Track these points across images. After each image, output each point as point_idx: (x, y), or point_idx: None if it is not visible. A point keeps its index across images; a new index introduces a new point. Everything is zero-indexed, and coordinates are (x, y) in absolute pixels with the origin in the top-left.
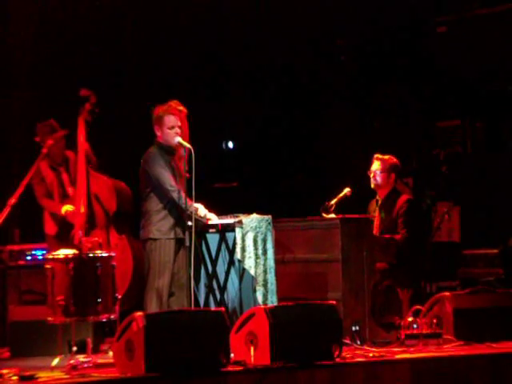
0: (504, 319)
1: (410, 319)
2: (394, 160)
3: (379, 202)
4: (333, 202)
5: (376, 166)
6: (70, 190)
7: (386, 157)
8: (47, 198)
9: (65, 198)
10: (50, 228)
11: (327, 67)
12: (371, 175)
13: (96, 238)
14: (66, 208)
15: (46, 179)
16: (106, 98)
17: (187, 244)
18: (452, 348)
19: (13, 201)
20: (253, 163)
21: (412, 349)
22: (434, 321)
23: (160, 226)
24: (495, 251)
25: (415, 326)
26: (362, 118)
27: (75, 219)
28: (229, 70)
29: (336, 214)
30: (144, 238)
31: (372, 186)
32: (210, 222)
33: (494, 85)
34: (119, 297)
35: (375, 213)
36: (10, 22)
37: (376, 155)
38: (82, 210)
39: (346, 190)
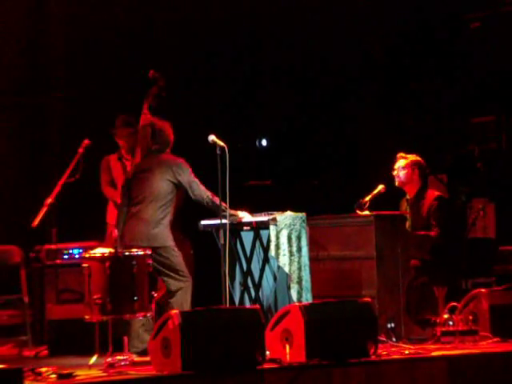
0: None
1: (446, 316)
2: (417, 158)
3: (410, 201)
4: (367, 199)
5: (398, 163)
6: None
7: (409, 155)
8: (110, 187)
9: None
10: (113, 218)
11: (361, 64)
12: (394, 173)
13: None
14: None
15: (113, 172)
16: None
17: (221, 242)
18: (488, 345)
19: (50, 200)
20: (287, 161)
21: (448, 346)
22: (470, 317)
23: None
24: None
25: (451, 322)
26: (396, 115)
27: None
28: (262, 67)
29: (370, 211)
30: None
31: (396, 183)
32: (244, 220)
33: None
34: (155, 295)
35: (407, 210)
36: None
37: (399, 154)
38: None
39: (380, 187)
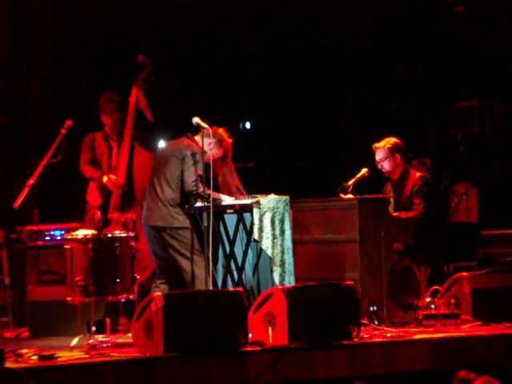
0: None
1: (428, 299)
2: (392, 141)
3: (394, 182)
4: (350, 182)
5: (377, 156)
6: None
7: (383, 142)
8: (89, 165)
9: (110, 171)
10: (94, 198)
11: (344, 48)
12: (379, 166)
13: (130, 215)
14: (107, 178)
15: (97, 149)
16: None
17: (205, 224)
18: (470, 328)
19: (31, 181)
20: (270, 143)
21: (430, 329)
22: (452, 301)
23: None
24: None
25: (433, 306)
26: (380, 98)
27: (114, 190)
28: (245, 50)
29: (354, 194)
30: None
31: (386, 175)
32: (227, 203)
33: None
34: (138, 277)
35: (390, 193)
36: None
37: (373, 145)
38: (120, 182)
39: (364, 171)
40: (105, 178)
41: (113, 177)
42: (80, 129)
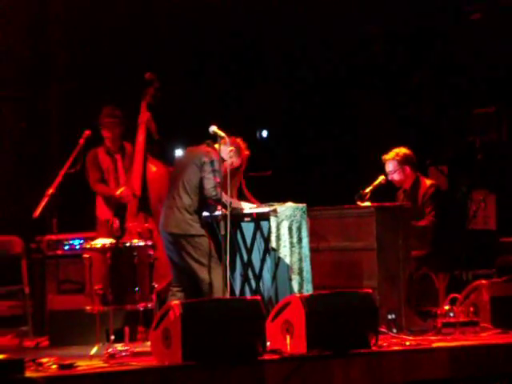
0: None
1: (447, 307)
2: (401, 153)
3: (407, 192)
4: (368, 190)
5: (387, 167)
6: (123, 178)
7: (392, 154)
8: (100, 183)
9: (118, 186)
10: (103, 213)
11: (361, 55)
12: (389, 178)
13: (147, 225)
14: (122, 190)
15: (102, 165)
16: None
17: (222, 233)
18: (489, 336)
19: (51, 191)
20: (287, 152)
21: (449, 337)
22: (471, 309)
23: None
24: None
25: (452, 314)
26: (397, 106)
27: (130, 201)
28: (262, 58)
29: (371, 202)
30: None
31: (397, 185)
32: (244, 211)
33: None
34: (156, 285)
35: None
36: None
37: (383, 157)
38: (137, 194)
39: (381, 178)
40: (119, 191)
41: (124, 189)
42: (99, 139)
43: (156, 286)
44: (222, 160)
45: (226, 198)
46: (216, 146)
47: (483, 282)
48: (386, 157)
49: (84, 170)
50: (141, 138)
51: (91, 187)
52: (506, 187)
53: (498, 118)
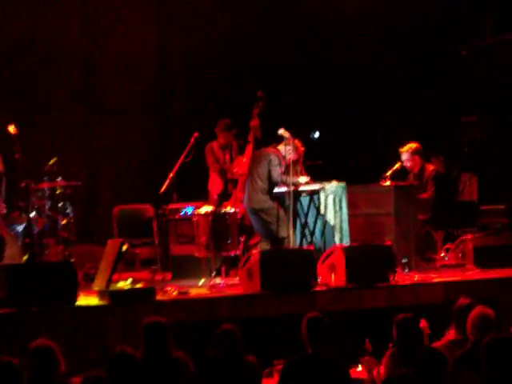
0: (508, 254)
1: (443, 254)
2: (413, 147)
3: (416, 174)
4: (388, 173)
5: (402, 157)
6: (229, 165)
7: (406, 147)
8: (217, 164)
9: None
10: (215, 188)
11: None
12: (403, 164)
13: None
14: (236, 169)
15: (216, 154)
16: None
17: (287, 203)
18: (472, 274)
19: (172, 174)
20: (333, 145)
21: (444, 274)
22: (460, 255)
23: None
24: (502, 206)
25: (446, 258)
26: (409, 115)
27: (240, 179)
28: (312, 63)
29: (390, 181)
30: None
31: (409, 170)
32: (302, 188)
33: (503, 91)
34: (242, 239)
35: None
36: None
37: (400, 149)
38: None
39: (398, 164)
40: (235, 169)
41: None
42: (203, 139)
43: (242, 239)
44: (283, 157)
45: (288, 180)
46: (278, 147)
47: (468, 236)
48: (402, 149)
49: (193, 159)
50: (251, 137)
51: (209, 167)
52: (485, 171)
53: (479, 123)
